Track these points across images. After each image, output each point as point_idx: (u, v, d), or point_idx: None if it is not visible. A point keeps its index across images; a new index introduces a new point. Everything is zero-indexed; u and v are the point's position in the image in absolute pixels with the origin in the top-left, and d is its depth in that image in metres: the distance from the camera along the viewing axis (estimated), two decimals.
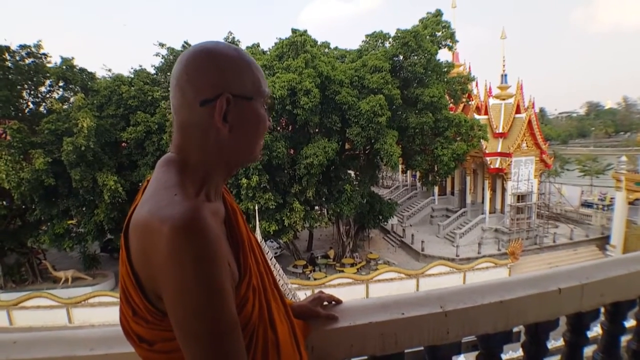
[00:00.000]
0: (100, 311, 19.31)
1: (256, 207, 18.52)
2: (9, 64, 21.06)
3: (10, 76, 21.08)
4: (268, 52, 24.57)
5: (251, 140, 0.96)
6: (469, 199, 31.01)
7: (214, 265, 0.76)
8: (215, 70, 0.90)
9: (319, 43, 25.27)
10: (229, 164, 0.97)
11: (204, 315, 0.76)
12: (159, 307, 0.82)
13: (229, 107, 0.90)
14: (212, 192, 0.94)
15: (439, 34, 24.50)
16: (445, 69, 25.52)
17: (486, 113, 28.73)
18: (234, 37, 25.92)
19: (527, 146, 27.55)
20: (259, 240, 16.01)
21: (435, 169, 25.50)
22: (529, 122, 27.01)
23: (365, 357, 1.40)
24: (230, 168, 0.99)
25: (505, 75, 30.04)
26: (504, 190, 28.28)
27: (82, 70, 23.54)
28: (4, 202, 20.86)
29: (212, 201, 0.93)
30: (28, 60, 21.78)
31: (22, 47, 21.54)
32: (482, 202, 29.70)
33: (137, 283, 0.84)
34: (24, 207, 22.07)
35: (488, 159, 27.48)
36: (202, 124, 0.91)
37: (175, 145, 0.95)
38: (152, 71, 25.64)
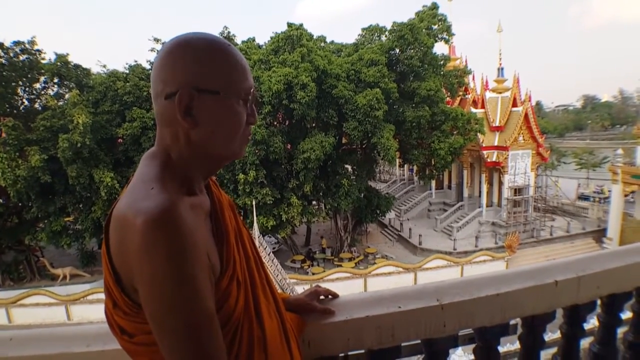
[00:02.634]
0: (98, 308, 19.25)
1: (253, 203, 18.52)
2: (3, 61, 20.97)
3: (4, 73, 20.96)
4: (264, 47, 24.47)
5: (222, 137, 0.91)
6: (466, 193, 31.09)
7: (186, 259, 0.76)
8: (180, 63, 0.88)
9: (315, 37, 25.18)
10: (204, 159, 0.93)
11: (176, 309, 0.76)
12: (135, 299, 0.82)
13: (193, 101, 0.87)
14: (196, 186, 0.93)
15: (435, 27, 24.45)
16: (442, 62, 25.49)
17: (483, 106, 28.74)
18: (229, 32, 25.76)
19: (524, 139, 27.60)
20: (256, 235, 16.03)
21: (432, 162, 25.51)
22: (526, 115, 27.06)
23: (362, 351, 1.40)
24: (208, 163, 0.95)
25: (502, 69, 30.05)
26: (500, 183, 28.37)
27: (77, 66, 23.41)
28: (0, 200, 20.79)
29: (196, 195, 0.92)
30: (22, 57, 21.68)
31: (16, 43, 21.43)
32: (479, 195, 29.80)
33: (115, 276, 0.84)
34: (20, 204, 22.04)
35: (485, 152, 27.52)
36: (170, 118, 0.89)
37: (156, 138, 0.95)
38: (148, 66, 25.48)
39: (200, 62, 0.88)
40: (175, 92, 0.87)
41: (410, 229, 28.40)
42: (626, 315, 1.93)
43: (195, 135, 0.89)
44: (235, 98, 0.91)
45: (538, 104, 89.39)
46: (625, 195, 25.64)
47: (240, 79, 0.91)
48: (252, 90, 0.94)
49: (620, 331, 1.94)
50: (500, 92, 29.34)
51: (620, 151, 26.85)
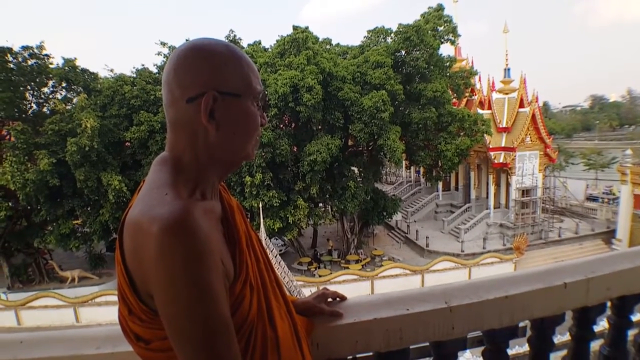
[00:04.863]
0: (107, 310, 19.39)
1: (260, 205, 18.54)
2: (12, 66, 21.07)
3: (13, 77, 21.10)
4: (270, 50, 24.55)
5: (241, 139, 0.94)
6: (473, 194, 30.93)
7: (202, 265, 0.76)
8: (201, 67, 0.89)
9: (320, 40, 25.20)
10: (221, 162, 0.95)
11: (193, 315, 0.76)
12: (151, 306, 0.83)
13: (215, 104, 0.89)
14: (208, 191, 0.94)
15: (441, 28, 24.38)
16: (448, 64, 25.40)
17: (489, 107, 28.61)
18: (235, 35, 25.87)
19: (531, 140, 27.43)
20: (262, 238, 16.05)
21: (439, 164, 25.42)
22: (533, 116, 26.89)
23: (370, 354, 1.40)
24: (224, 166, 0.97)
25: (508, 69, 29.91)
26: (508, 185, 28.19)
27: (85, 70, 23.58)
28: (10, 203, 20.94)
29: (208, 199, 0.92)
30: (31, 62, 21.79)
31: (25, 48, 21.56)
32: (487, 197, 29.62)
33: (131, 282, 0.85)
34: (29, 207, 22.17)
35: (492, 153, 27.38)
36: (190, 122, 0.90)
37: (168, 144, 0.95)
38: (155, 70, 25.65)
39: (221, 66, 0.90)
40: (197, 96, 0.88)
41: (417, 231, 28.30)
42: (637, 317, 1.91)
43: (216, 138, 0.91)
44: (252, 100, 0.95)
45: (545, 104, 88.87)
46: (636, 196, 25.37)
47: (255, 82, 0.95)
48: (263, 93, 0.98)
49: (631, 333, 1.92)
50: (507, 93, 29.21)
51: (629, 151, 26.62)
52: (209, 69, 0.90)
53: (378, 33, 26.04)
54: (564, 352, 1.84)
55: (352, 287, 20.26)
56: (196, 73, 0.89)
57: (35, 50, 21.86)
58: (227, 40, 0.97)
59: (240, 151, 0.96)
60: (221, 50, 0.92)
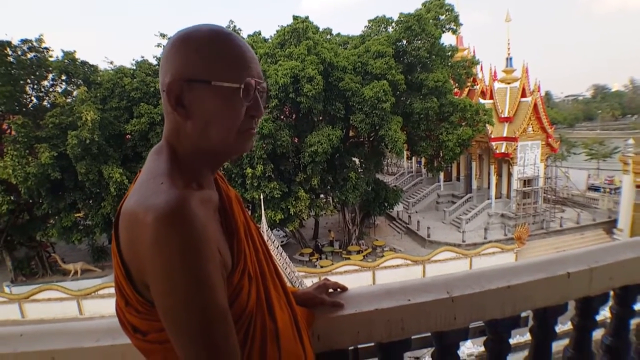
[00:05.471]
0: (109, 302, 19.47)
1: (261, 196, 18.56)
2: (11, 59, 21.00)
3: (12, 71, 21.03)
4: (270, 40, 24.41)
5: (217, 128, 0.87)
6: (474, 185, 30.92)
7: (199, 255, 0.75)
8: (175, 55, 0.87)
9: (321, 30, 25.05)
10: (205, 152, 0.91)
11: (189, 306, 0.75)
12: (148, 297, 0.81)
13: (183, 92, 0.86)
14: (204, 180, 0.92)
15: (443, 17, 24.21)
16: (450, 53, 25.26)
17: (491, 97, 28.49)
18: (234, 26, 25.73)
19: (533, 130, 27.34)
20: (264, 229, 16.09)
21: (441, 154, 25.37)
22: (535, 105, 26.77)
23: (372, 344, 1.40)
24: (209, 157, 0.93)
25: (510, 59, 29.69)
26: (510, 175, 28.17)
27: (84, 63, 23.48)
28: (12, 197, 21.00)
29: (205, 189, 0.91)
30: (30, 55, 21.71)
31: (24, 41, 21.47)
32: (488, 187, 29.62)
33: (127, 274, 0.83)
34: (31, 201, 22.24)
35: (494, 143, 27.31)
36: (168, 111, 0.89)
37: (164, 133, 0.94)
38: (154, 62, 25.54)
39: (194, 52, 0.87)
40: (168, 84, 0.87)
41: (418, 222, 28.34)
42: (639, 306, 1.91)
43: (191, 128, 0.88)
44: (230, 88, 0.86)
45: (547, 94, 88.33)
46: (637, 186, 25.32)
47: (237, 67, 0.88)
48: (255, 81, 0.89)
49: (634, 323, 1.92)
50: (509, 83, 29.04)
51: (631, 141, 26.48)
52: (182, 55, 0.87)
53: (379, 22, 25.86)
54: (565, 342, 1.84)
55: (354, 278, 20.33)
56: (171, 61, 0.88)
57: (35, 44, 21.78)
58: (220, 26, 0.93)
59: (218, 143, 0.89)
60: (199, 36, 0.88)
